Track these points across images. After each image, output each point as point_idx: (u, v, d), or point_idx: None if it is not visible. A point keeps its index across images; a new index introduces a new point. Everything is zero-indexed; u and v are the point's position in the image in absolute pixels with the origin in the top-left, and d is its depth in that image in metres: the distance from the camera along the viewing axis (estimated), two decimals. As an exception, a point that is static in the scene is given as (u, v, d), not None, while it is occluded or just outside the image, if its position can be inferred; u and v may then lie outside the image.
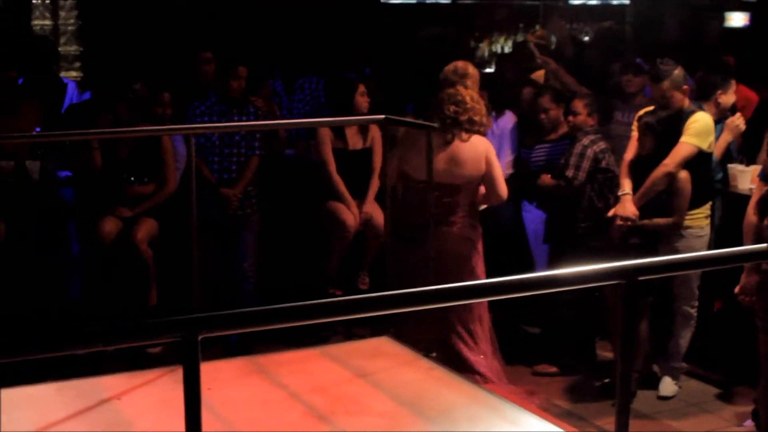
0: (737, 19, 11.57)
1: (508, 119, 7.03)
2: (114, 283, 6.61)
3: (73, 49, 9.20)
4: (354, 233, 6.90)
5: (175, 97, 6.91)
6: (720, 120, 6.32)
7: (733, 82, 6.47)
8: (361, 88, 6.99)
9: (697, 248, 5.79)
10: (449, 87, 5.85)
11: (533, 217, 6.92)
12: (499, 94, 7.20)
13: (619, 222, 5.88)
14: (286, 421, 3.67)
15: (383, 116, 5.09)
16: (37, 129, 6.72)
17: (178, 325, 1.99)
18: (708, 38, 10.60)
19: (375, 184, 6.85)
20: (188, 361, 1.99)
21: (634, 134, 6.01)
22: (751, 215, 5.16)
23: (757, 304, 5.10)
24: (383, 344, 4.57)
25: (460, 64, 6.11)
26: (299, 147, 7.67)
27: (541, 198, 6.74)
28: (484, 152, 5.67)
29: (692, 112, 5.91)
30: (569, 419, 5.66)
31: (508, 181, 6.94)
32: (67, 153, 6.88)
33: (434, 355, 4.52)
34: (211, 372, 3.96)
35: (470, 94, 5.76)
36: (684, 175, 5.81)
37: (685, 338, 6.18)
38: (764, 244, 2.63)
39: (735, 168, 6.43)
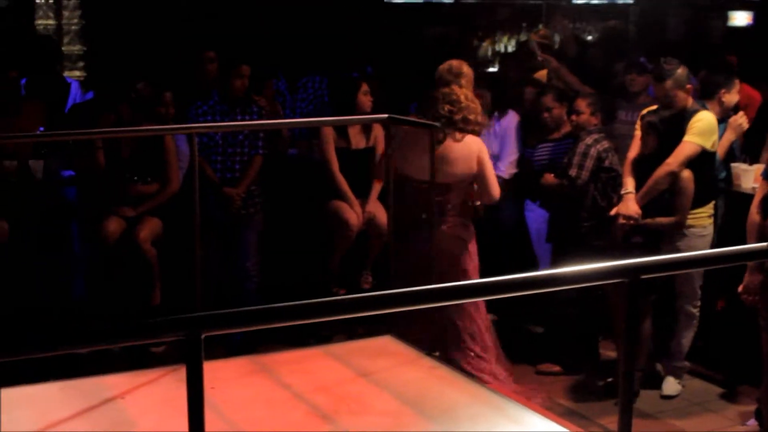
0: (740, 18, 11.56)
1: (511, 119, 7.02)
2: (117, 282, 6.61)
3: (76, 48, 9.21)
4: (357, 232, 6.90)
5: (178, 96, 6.91)
6: (723, 119, 6.31)
7: (737, 81, 6.47)
8: (364, 88, 6.99)
9: (700, 247, 5.79)
10: (444, 86, 5.84)
11: (536, 216, 6.91)
12: (502, 93, 7.20)
13: (621, 221, 5.87)
14: (289, 421, 3.67)
15: (386, 115, 5.09)
16: (41, 129, 6.73)
17: (181, 324, 2.00)
18: (711, 37, 10.59)
19: (378, 184, 6.85)
20: (191, 359, 2.00)
21: (638, 133, 6.00)
22: (754, 214, 5.16)
23: (761, 304, 5.10)
24: (386, 343, 4.57)
25: (454, 63, 6.08)
26: (302, 146, 7.67)
27: (544, 197, 6.74)
28: (476, 152, 5.66)
29: (695, 111, 5.90)
30: (572, 418, 5.65)
31: (512, 180, 6.98)
32: (70, 152, 6.88)
33: (437, 354, 4.52)
34: (214, 371, 3.97)
35: (465, 93, 5.75)
36: (687, 174, 5.81)
37: (687, 338, 6.17)
38: (767, 243, 2.63)
39: (738, 167, 6.43)
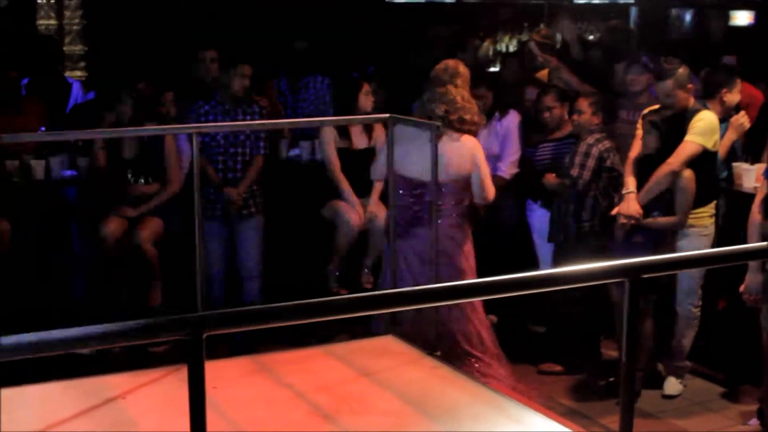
0: (742, 18, 11.56)
1: (513, 118, 7.02)
2: (118, 282, 6.62)
3: (77, 48, 9.22)
4: (358, 232, 6.90)
5: (179, 96, 6.91)
6: (725, 118, 6.31)
7: (738, 81, 6.47)
8: (366, 88, 6.99)
9: (701, 247, 5.78)
10: (440, 86, 5.83)
11: (538, 216, 6.91)
12: (503, 93, 7.20)
13: (622, 220, 5.87)
14: (290, 420, 3.67)
15: (388, 115, 5.09)
16: (42, 129, 6.73)
17: (183, 324, 2.00)
18: (713, 37, 10.58)
19: (380, 184, 6.84)
20: (193, 359, 2.00)
21: (639, 133, 6.00)
22: (755, 214, 5.17)
23: (762, 303, 5.10)
24: (388, 343, 4.57)
25: (450, 62, 6.05)
26: (304, 146, 7.67)
27: (545, 197, 6.74)
28: (470, 152, 5.66)
29: (697, 111, 5.90)
30: (574, 418, 5.65)
31: (513, 180, 6.97)
32: (71, 152, 6.89)
33: (438, 353, 4.51)
34: (216, 371, 3.97)
35: (461, 94, 5.75)
36: (688, 173, 5.81)
37: (688, 338, 6.17)
38: (768, 243, 2.63)
39: (740, 166, 6.42)
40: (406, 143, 5.45)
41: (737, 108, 6.48)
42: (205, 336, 1.99)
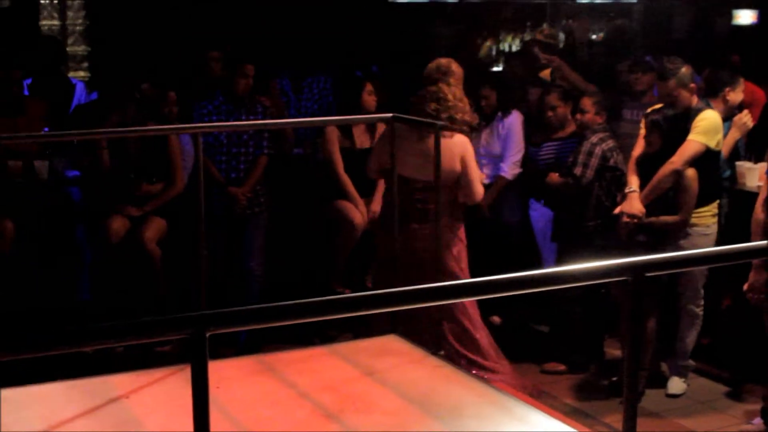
0: (745, 17, 11.55)
1: (515, 118, 7.01)
2: (122, 282, 6.62)
3: (80, 49, 9.22)
4: (361, 232, 6.90)
5: (182, 96, 6.92)
6: (728, 117, 6.31)
7: (742, 80, 6.47)
8: (369, 87, 6.99)
9: (704, 246, 5.77)
10: (431, 84, 5.83)
11: (541, 215, 6.91)
12: (506, 92, 7.20)
13: (625, 219, 5.87)
14: (294, 420, 3.67)
15: (390, 114, 5.09)
16: (45, 129, 6.74)
17: (186, 323, 2.00)
18: (716, 36, 10.58)
19: (382, 183, 6.84)
20: (196, 358, 2.00)
21: (642, 132, 6.01)
22: (759, 213, 5.17)
23: (766, 302, 5.10)
24: (391, 342, 4.57)
25: (443, 61, 6.02)
26: (307, 146, 7.68)
27: (548, 196, 6.74)
28: (459, 151, 5.64)
29: (700, 110, 5.90)
30: (578, 417, 5.65)
31: (516, 179, 6.97)
32: (75, 153, 6.90)
33: (442, 353, 4.51)
34: (220, 371, 3.97)
35: (452, 92, 5.74)
36: (691, 172, 5.81)
37: (691, 337, 6.16)
38: (772, 241, 2.63)
39: (743, 165, 6.42)
40: (400, 141, 5.46)
41: (740, 107, 6.48)
42: (208, 335, 1.99)
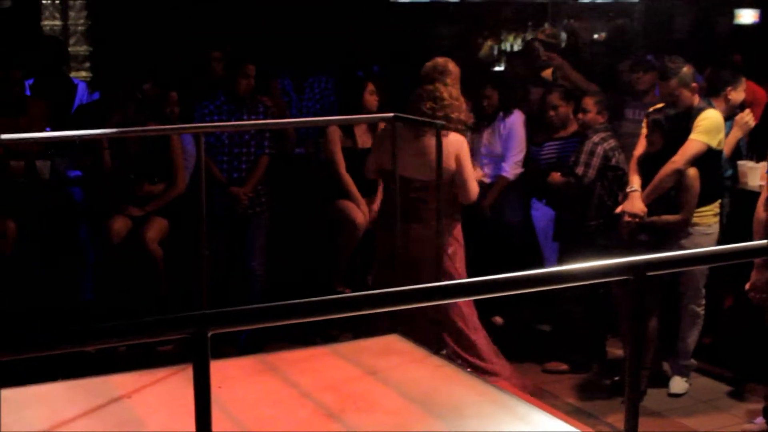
0: (747, 16, 11.55)
1: (517, 118, 7.01)
2: (124, 282, 6.63)
3: (82, 49, 9.22)
4: (363, 231, 6.90)
5: (184, 96, 6.92)
6: (730, 117, 6.31)
7: (743, 79, 6.47)
8: (370, 87, 6.99)
9: (705, 245, 5.77)
10: (428, 84, 5.83)
11: (542, 215, 6.91)
12: (508, 92, 7.20)
13: (627, 218, 5.87)
14: (296, 419, 3.67)
15: (392, 114, 5.09)
16: (47, 129, 6.74)
17: (188, 322, 2.00)
18: (717, 35, 10.57)
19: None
20: (198, 357, 2.00)
21: (644, 131, 6.01)
22: (761, 212, 5.16)
23: (768, 301, 5.10)
24: (392, 342, 4.57)
25: (440, 60, 6.03)
26: (309, 146, 7.68)
27: (550, 196, 6.74)
28: (455, 150, 5.64)
29: (702, 110, 5.90)
30: (579, 416, 5.65)
31: (518, 179, 6.97)
32: (77, 153, 6.90)
33: (444, 352, 4.51)
34: (221, 370, 3.97)
35: (449, 91, 5.75)
36: (693, 172, 5.81)
37: (692, 337, 6.16)
38: (773, 240, 2.63)
39: (744, 165, 6.42)
40: (398, 141, 5.47)
41: (742, 106, 6.48)
42: (210, 334, 1.99)
